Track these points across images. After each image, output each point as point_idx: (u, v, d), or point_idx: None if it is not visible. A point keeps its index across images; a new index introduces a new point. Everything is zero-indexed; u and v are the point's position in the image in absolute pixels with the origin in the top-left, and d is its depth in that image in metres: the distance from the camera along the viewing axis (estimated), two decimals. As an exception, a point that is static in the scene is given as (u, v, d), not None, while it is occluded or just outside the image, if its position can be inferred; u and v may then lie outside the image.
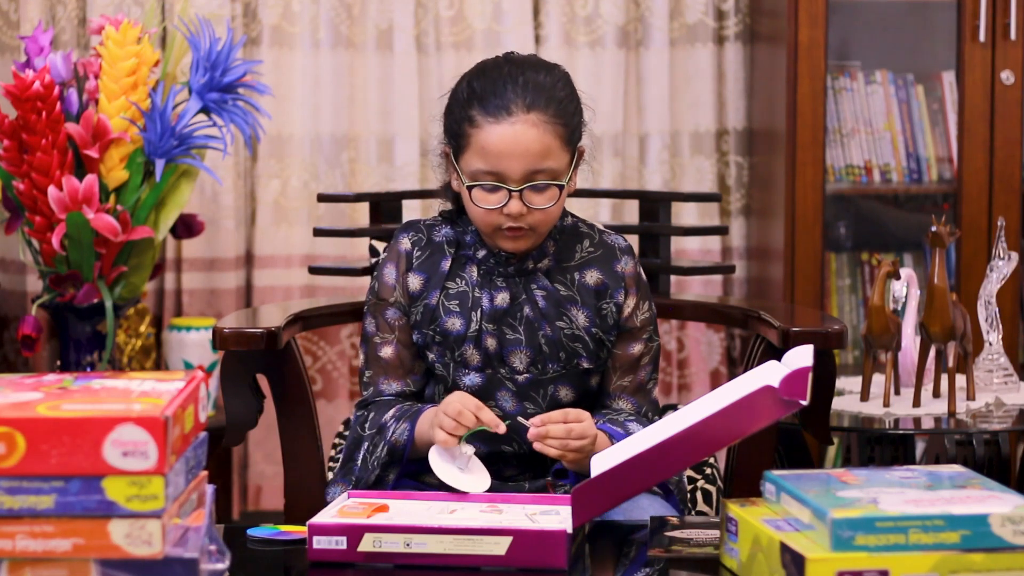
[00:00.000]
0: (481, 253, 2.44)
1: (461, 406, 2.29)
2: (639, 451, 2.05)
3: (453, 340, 2.44)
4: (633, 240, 3.68)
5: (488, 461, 2.33)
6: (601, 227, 2.55)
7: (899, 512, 1.79)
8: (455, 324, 2.44)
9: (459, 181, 2.39)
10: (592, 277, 2.46)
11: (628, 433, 2.32)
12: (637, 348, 2.49)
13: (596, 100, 3.93)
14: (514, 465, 2.42)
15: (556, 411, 2.31)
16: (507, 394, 2.44)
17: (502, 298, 2.43)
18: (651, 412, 2.52)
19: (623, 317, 2.47)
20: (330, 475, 2.74)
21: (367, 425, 2.44)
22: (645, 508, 2.34)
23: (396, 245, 2.49)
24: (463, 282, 2.45)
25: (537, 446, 2.28)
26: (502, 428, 2.29)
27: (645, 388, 2.51)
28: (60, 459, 1.59)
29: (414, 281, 2.46)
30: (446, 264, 2.46)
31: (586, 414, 2.31)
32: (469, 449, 2.29)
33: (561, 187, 2.37)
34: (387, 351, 2.47)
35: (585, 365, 2.46)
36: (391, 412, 2.41)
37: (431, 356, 2.46)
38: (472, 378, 2.44)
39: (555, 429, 2.28)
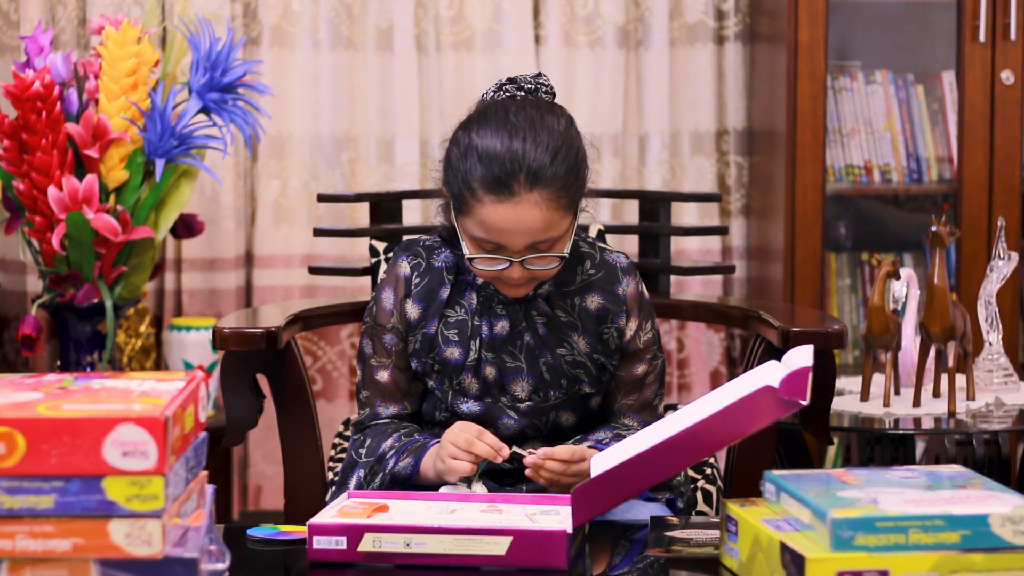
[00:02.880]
0: (480, 279, 2.42)
1: (467, 435, 2.28)
2: (639, 451, 2.05)
3: (452, 369, 2.42)
4: (633, 240, 3.69)
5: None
6: (602, 244, 2.50)
7: (899, 512, 1.79)
8: (454, 353, 2.42)
9: (457, 227, 2.35)
10: (593, 302, 2.43)
11: None
12: (641, 368, 2.47)
13: (596, 100, 3.97)
14: (511, 473, 2.41)
15: (563, 450, 2.29)
16: (509, 421, 2.43)
17: (502, 326, 2.41)
18: None
19: (625, 340, 2.44)
20: (330, 475, 2.74)
21: (364, 451, 2.43)
22: (643, 511, 2.34)
23: (395, 268, 2.45)
24: (462, 310, 2.42)
25: (529, 472, 2.28)
26: (505, 451, 2.29)
27: (652, 405, 2.50)
28: (60, 459, 1.59)
29: (412, 310, 2.43)
30: (445, 292, 2.42)
31: (590, 454, 2.30)
32: (482, 489, 2.29)
33: (563, 257, 2.32)
34: (383, 375, 2.46)
35: (587, 390, 2.44)
36: (389, 442, 2.40)
37: (430, 383, 2.45)
38: (470, 406, 2.43)
39: (552, 465, 2.28)
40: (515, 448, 2.33)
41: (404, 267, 2.45)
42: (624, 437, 2.38)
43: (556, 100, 2.40)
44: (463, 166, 2.29)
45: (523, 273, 2.30)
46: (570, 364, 2.42)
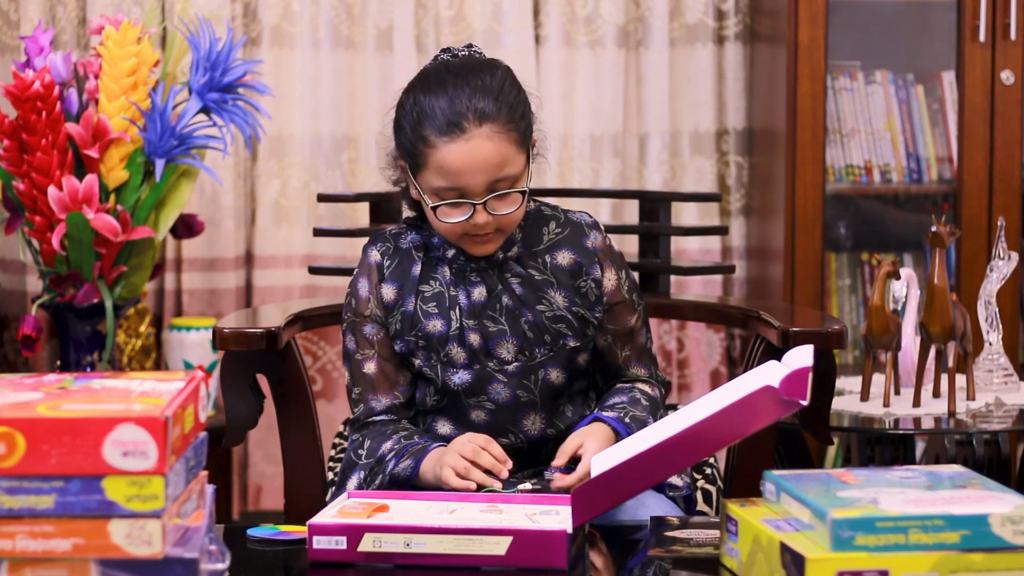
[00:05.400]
0: (450, 252, 2.44)
1: (473, 446, 2.30)
2: (639, 451, 2.05)
3: (437, 342, 2.43)
4: (633, 240, 3.69)
5: None
6: (564, 207, 2.54)
7: (899, 512, 1.79)
8: (436, 326, 2.43)
9: (418, 192, 2.39)
10: (564, 258, 2.46)
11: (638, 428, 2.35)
12: (632, 319, 2.51)
13: (596, 100, 3.97)
14: (511, 459, 2.42)
15: (568, 456, 2.32)
16: (499, 386, 2.44)
17: (479, 292, 2.44)
18: (657, 371, 2.56)
19: (608, 292, 2.47)
20: (330, 475, 2.75)
21: (363, 452, 2.43)
22: (650, 507, 2.34)
23: (366, 259, 2.48)
24: (437, 283, 2.45)
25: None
26: (509, 464, 2.30)
27: (647, 349, 2.54)
28: (60, 459, 1.59)
29: (388, 291, 2.45)
30: (416, 269, 2.45)
31: (590, 450, 2.32)
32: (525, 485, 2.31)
33: (524, 193, 2.36)
34: (370, 367, 2.47)
35: (572, 344, 2.46)
36: (389, 444, 2.41)
37: (417, 361, 2.46)
38: (461, 376, 2.44)
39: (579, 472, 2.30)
40: (530, 483, 2.34)
41: (374, 255, 2.48)
42: (636, 396, 2.44)
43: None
44: (411, 121, 2.37)
45: (488, 218, 2.34)
46: (551, 319, 2.44)
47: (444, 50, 2.46)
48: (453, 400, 2.46)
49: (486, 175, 2.32)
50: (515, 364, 2.44)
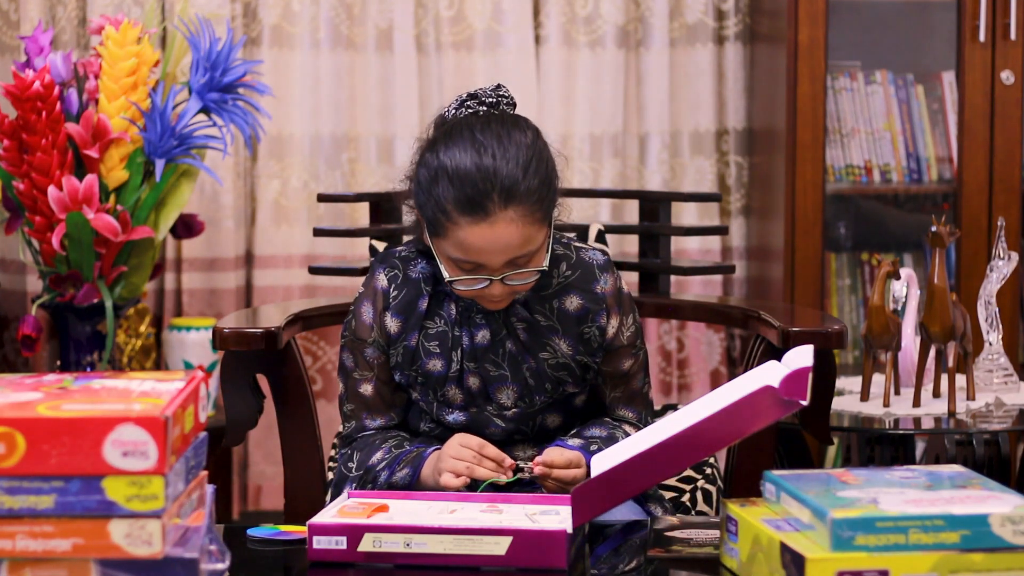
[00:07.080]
0: None
1: (470, 452, 2.28)
2: (639, 451, 2.05)
3: (435, 380, 2.41)
4: (633, 240, 3.69)
5: None
6: (577, 243, 2.49)
7: (899, 512, 1.79)
8: (436, 365, 2.41)
9: (431, 245, 2.34)
10: (572, 303, 2.42)
11: None
12: (627, 364, 2.47)
13: (596, 100, 3.97)
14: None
15: (558, 456, 2.30)
16: (495, 429, 2.42)
17: (482, 335, 2.40)
18: (649, 416, 2.53)
19: (608, 338, 2.43)
20: (330, 475, 2.74)
21: (353, 465, 2.43)
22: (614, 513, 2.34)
23: (372, 281, 2.44)
24: (442, 321, 2.41)
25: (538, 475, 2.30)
26: (508, 461, 2.30)
27: (641, 393, 2.50)
28: (60, 459, 1.59)
29: (392, 323, 2.42)
30: (423, 303, 2.41)
31: (583, 460, 2.30)
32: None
33: (541, 271, 2.32)
34: (367, 388, 2.45)
35: (572, 390, 2.45)
36: (379, 454, 2.39)
37: (415, 394, 2.44)
38: (456, 416, 2.43)
39: (558, 473, 2.28)
40: (518, 463, 2.33)
41: (381, 280, 2.43)
42: (616, 435, 2.41)
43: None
44: (435, 190, 2.27)
45: (503, 290, 2.31)
46: (553, 367, 2.41)
47: (471, 96, 2.36)
48: (448, 430, 2.44)
49: (506, 255, 2.27)
50: (514, 410, 2.42)
